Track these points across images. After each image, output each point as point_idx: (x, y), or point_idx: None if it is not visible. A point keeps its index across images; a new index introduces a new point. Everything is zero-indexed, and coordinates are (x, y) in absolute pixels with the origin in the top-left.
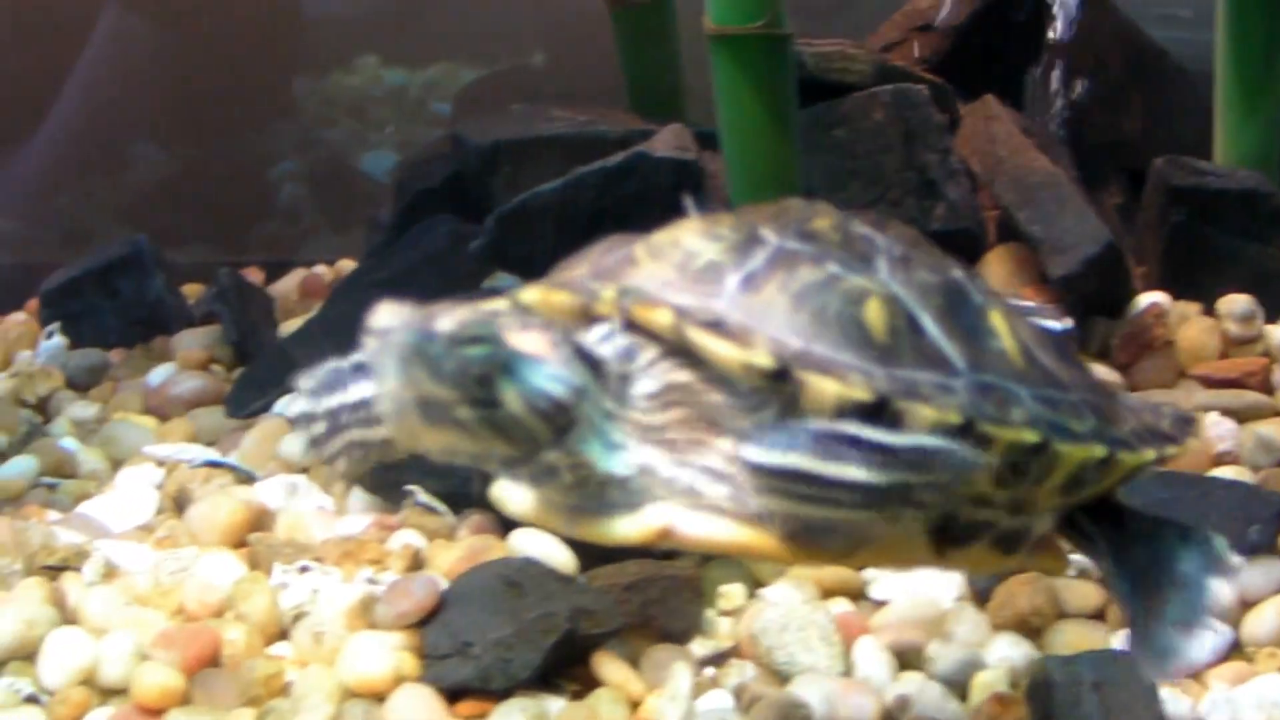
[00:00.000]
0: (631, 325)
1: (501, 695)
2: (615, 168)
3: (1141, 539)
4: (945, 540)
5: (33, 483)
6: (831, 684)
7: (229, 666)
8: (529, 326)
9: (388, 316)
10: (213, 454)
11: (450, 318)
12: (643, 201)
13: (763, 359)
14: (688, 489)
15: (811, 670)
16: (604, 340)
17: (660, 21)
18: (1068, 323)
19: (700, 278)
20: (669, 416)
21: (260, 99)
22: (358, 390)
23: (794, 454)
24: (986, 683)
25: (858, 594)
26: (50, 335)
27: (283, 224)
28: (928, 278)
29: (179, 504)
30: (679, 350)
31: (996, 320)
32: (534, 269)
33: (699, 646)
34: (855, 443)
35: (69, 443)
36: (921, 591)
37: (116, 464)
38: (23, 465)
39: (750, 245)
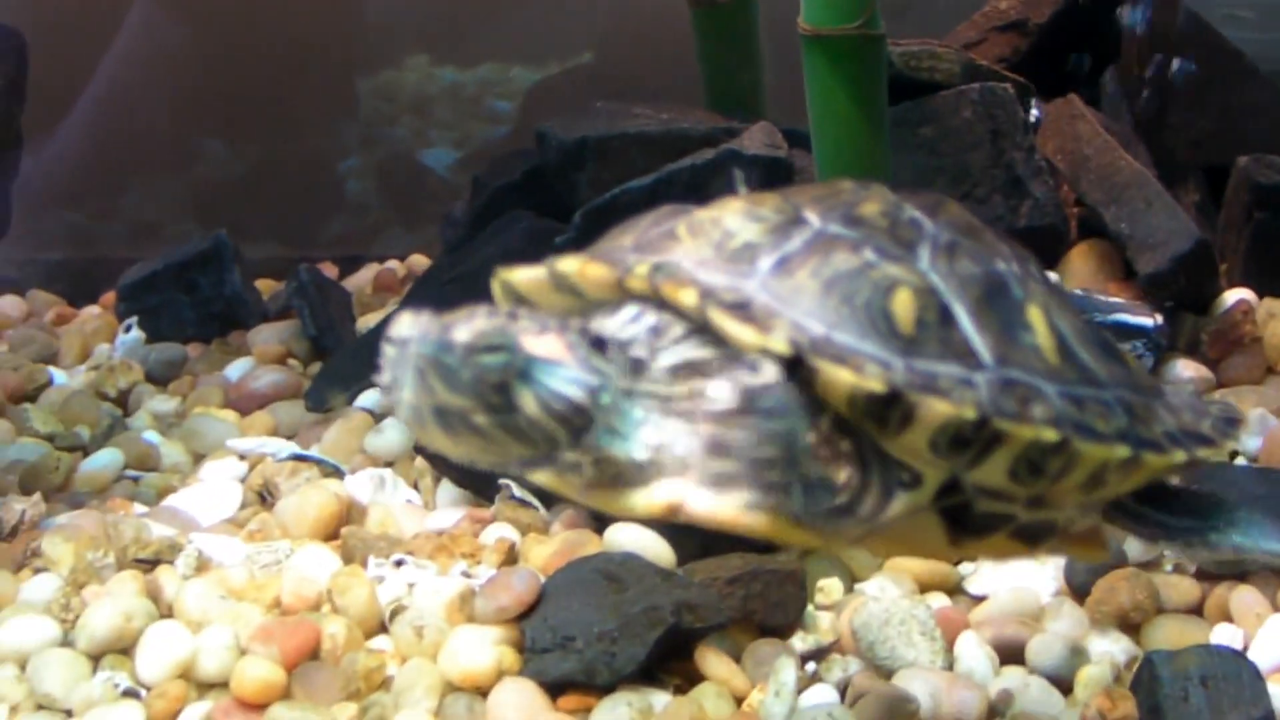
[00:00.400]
0: (661, 301)
1: (605, 689)
2: (705, 165)
3: (1196, 513)
4: (961, 530)
5: (117, 476)
6: (936, 679)
7: (329, 660)
8: (546, 329)
9: (406, 326)
10: (295, 448)
11: (467, 327)
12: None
13: (779, 345)
14: (701, 461)
15: (913, 665)
16: (634, 319)
17: (742, 21)
18: (1157, 319)
19: (736, 257)
20: (688, 387)
21: (320, 97)
22: None
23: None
24: (1091, 678)
25: (954, 589)
26: (128, 329)
27: (351, 220)
28: (970, 268)
29: (264, 497)
30: (704, 328)
31: (1035, 315)
32: None
33: (800, 641)
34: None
35: (151, 436)
36: (1020, 586)
37: (198, 458)
38: (107, 458)
39: (791, 227)
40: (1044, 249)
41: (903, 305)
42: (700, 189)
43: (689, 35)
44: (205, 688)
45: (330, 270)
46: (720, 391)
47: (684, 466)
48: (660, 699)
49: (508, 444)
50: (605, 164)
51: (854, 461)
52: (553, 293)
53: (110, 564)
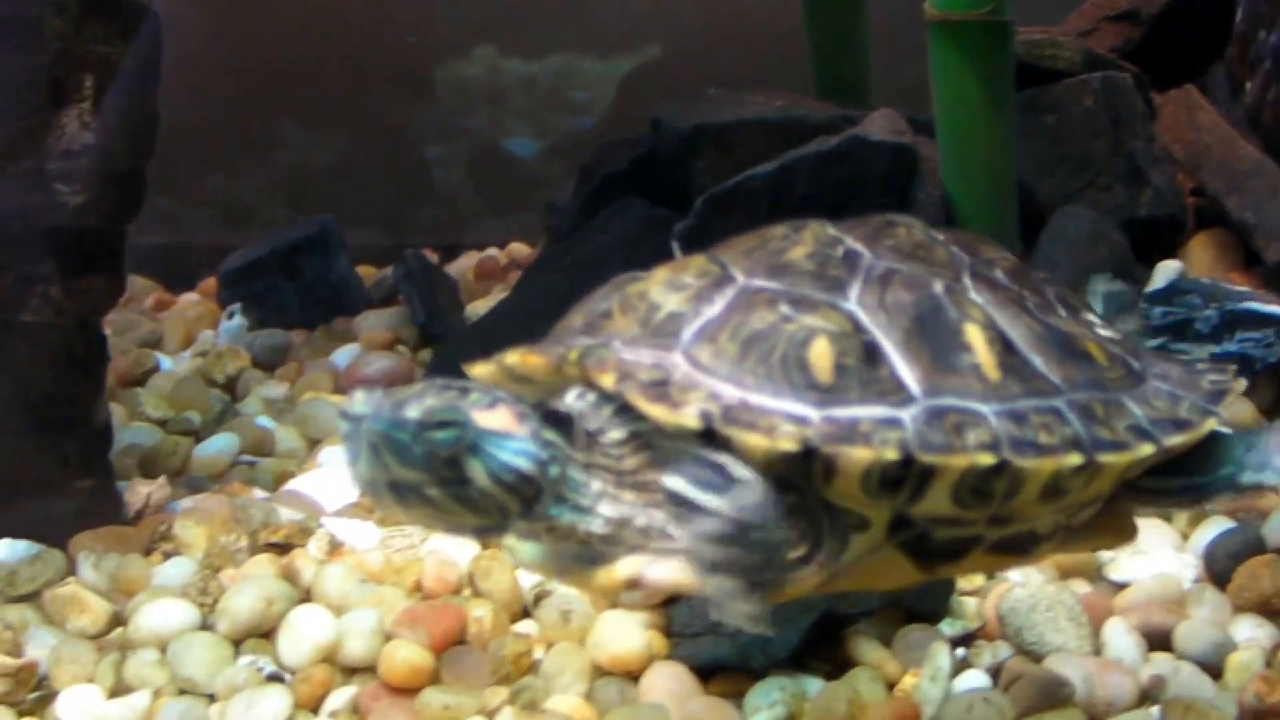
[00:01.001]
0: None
1: (757, 674)
2: (830, 151)
3: (1216, 460)
4: (927, 558)
5: (233, 460)
6: (1087, 664)
7: (475, 645)
8: (496, 403)
9: (360, 403)
10: None
11: (417, 404)
12: (857, 186)
13: (690, 421)
14: (660, 532)
15: (1060, 650)
16: (579, 396)
17: (852, 9)
18: None
19: (661, 330)
20: (638, 460)
21: (395, 86)
22: None
23: (679, 478)
24: (1242, 663)
25: (1095, 575)
26: (231, 315)
27: (442, 208)
28: (902, 297)
29: None
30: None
31: (973, 333)
32: None
33: (948, 627)
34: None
35: (264, 421)
36: (1161, 573)
37: (313, 443)
38: (223, 443)
39: (713, 290)
40: (1163, 238)
41: (819, 354)
42: (824, 176)
43: (781, 25)
44: (349, 672)
45: (431, 257)
46: (708, 524)
47: (643, 538)
48: (813, 684)
49: (461, 514)
50: (722, 151)
51: (801, 515)
52: (510, 382)
53: (243, 547)
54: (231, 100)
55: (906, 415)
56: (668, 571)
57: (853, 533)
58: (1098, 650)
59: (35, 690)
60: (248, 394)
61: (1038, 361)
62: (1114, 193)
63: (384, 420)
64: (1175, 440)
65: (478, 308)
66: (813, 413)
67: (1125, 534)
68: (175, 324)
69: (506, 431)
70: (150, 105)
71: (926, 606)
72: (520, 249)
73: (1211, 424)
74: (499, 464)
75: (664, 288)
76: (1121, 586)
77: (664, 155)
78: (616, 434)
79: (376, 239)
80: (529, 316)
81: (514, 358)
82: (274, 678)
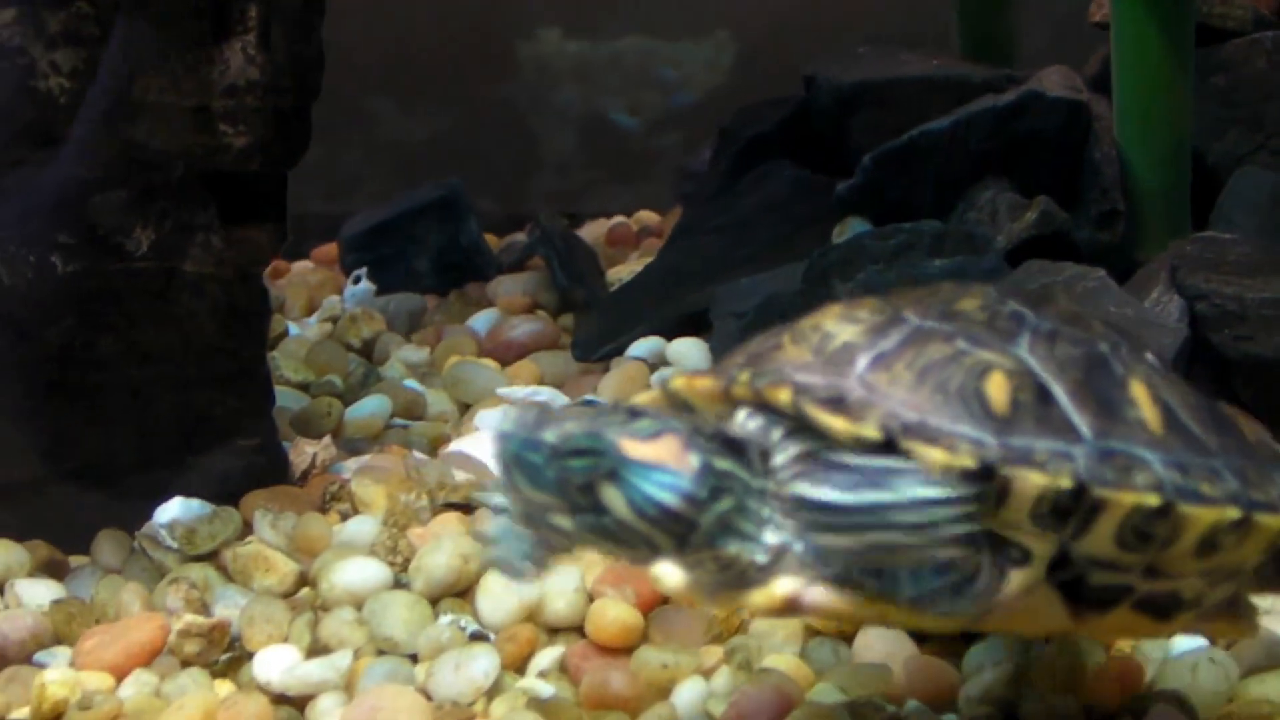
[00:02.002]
0: (764, 405)
1: (972, 636)
2: (1006, 107)
3: None
4: (1080, 603)
5: (386, 423)
6: None
7: (680, 604)
8: (662, 434)
9: (506, 421)
10: (565, 398)
11: (557, 428)
12: (1032, 144)
13: (870, 431)
14: (816, 557)
15: (1269, 613)
16: (748, 418)
17: None
18: None
19: (835, 358)
20: (800, 488)
21: (484, 64)
22: None
23: (826, 487)
24: None
25: None
26: (357, 280)
27: (555, 178)
28: (1070, 351)
29: None
30: (806, 426)
31: (1138, 390)
32: (909, 212)
33: None
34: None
35: (412, 384)
36: None
37: (463, 406)
38: (375, 405)
39: (888, 327)
40: None
41: (996, 387)
42: (1000, 133)
43: None
44: (552, 631)
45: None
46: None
47: (801, 563)
48: (1032, 645)
49: (598, 544)
50: (881, 110)
51: (963, 544)
52: (672, 409)
53: (424, 506)
54: (327, 75)
55: (1078, 451)
56: (825, 595)
57: (1012, 567)
58: None
59: (227, 651)
60: (387, 358)
61: (1194, 426)
62: None
63: (518, 440)
64: None
65: (619, 273)
66: (990, 438)
67: (1244, 627)
68: (297, 290)
69: (659, 463)
70: (317, 39)
71: None
72: (649, 216)
73: None
74: (642, 496)
75: (839, 320)
76: None
77: (817, 115)
78: (786, 454)
79: (489, 208)
80: (677, 281)
81: (679, 382)
82: (477, 637)
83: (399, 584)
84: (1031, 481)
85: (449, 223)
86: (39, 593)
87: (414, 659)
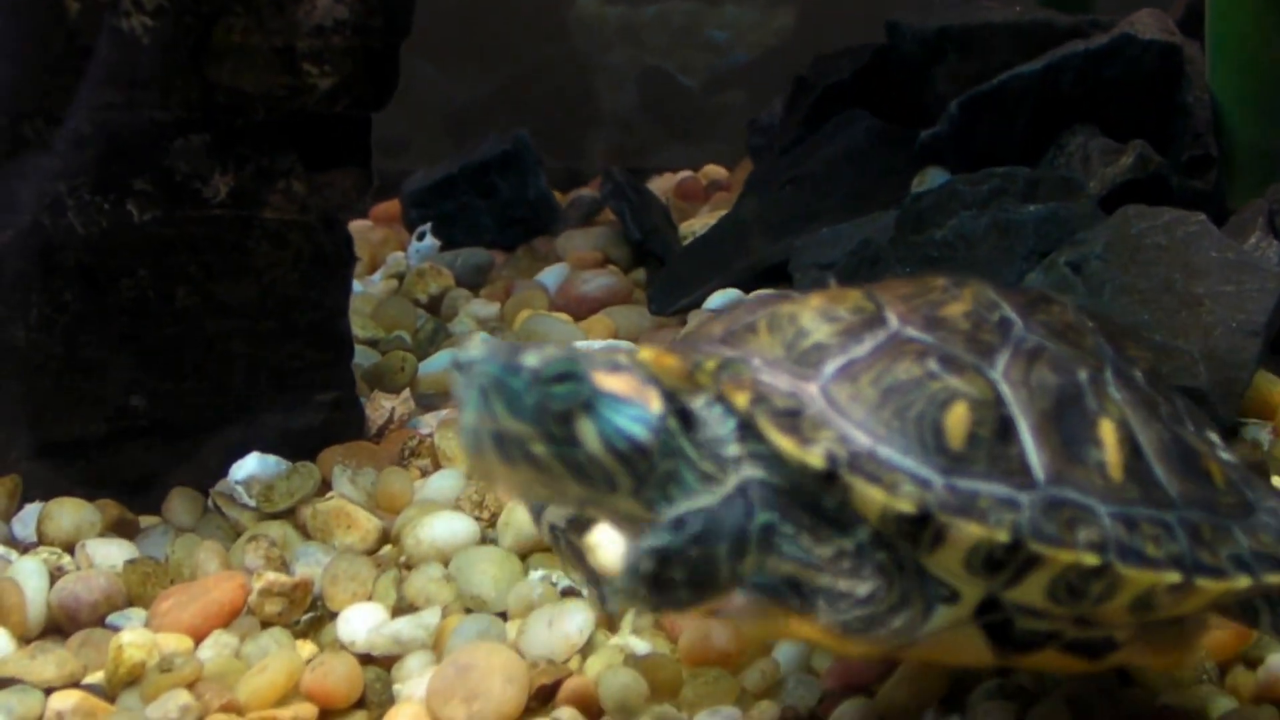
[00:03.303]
0: (723, 397)
1: None
2: (1099, 50)
3: None
4: (1005, 644)
5: None
6: None
7: None
8: (620, 369)
9: (476, 348)
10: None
11: (537, 354)
12: (1123, 88)
13: (815, 460)
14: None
15: None
16: (705, 406)
17: None
18: None
19: (804, 358)
20: (751, 473)
21: (523, 24)
22: None
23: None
24: None
25: None
26: (422, 236)
27: (616, 135)
28: (1047, 377)
29: None
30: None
31: (1106, 429)
32: (996, 159)
33: None
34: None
35: (485, 337)
36: None
37: None
38: (448, 360)
39: (864, 330)
40: None
41: (956, 420)
42: (1091, 77)
43: None
44: None
45: None
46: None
47: None
48: None
49: (564, 480)
50: (967, 56)
51: (887, 575)
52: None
53: None
54: None
55: (1026, 499)
56: (746, 605)
57: (940, 604)
58: None
59: (309, 610)
60: (456, 313)
61: (1159, 471)
62: None
63: (499, 365)
64: (1273, 579)
65: (691, 226)
66: (937, 478)
67: (1179, 659)
68: (360, 247)
69: (627, 397)
70: None
71: None
72: (718, 171)
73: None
74: (613, 428)
75: (816, 315)
76: None
77: (898, 63)
78: (734, 451)
79: (550, 163)
80: (753, 233)
81: (647, 354)
82: (569, 592)
83: (486, 540)
84: (968, 532)
85: (516, 176)
86: (111, 553)
87: (504, 616)
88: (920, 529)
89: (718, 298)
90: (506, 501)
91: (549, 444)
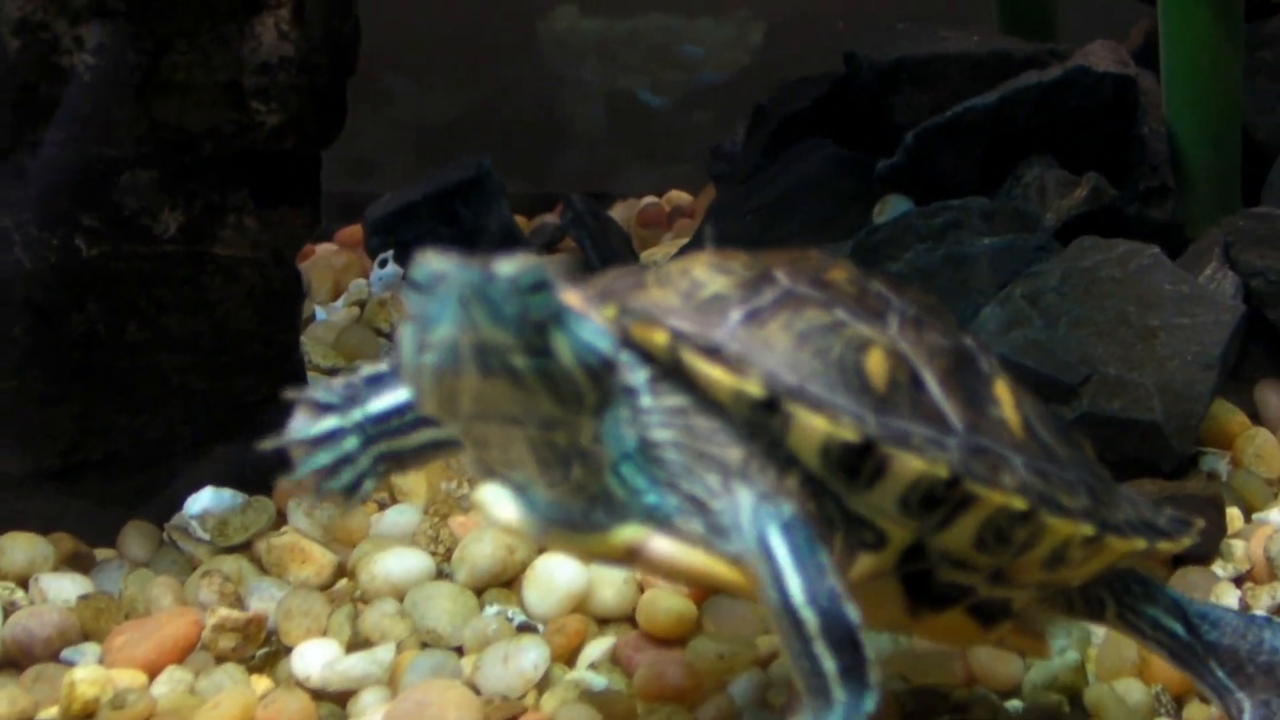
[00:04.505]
0: (629, 344)
1: None
2: (1053, 82)
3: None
4: (921, 598)
5: None
6: None
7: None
8: (570, 288)
9: (438, 262)
10: None
11: (511, 263)
12: (1078, 119)
13: (753, 387)
14: (666, 517)
15: None
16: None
17: None
18: None
19: (705, 308)
20: (662, 436)
21: (500, 42)
22: (382, 400)
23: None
24: None
25: None
26: (384, 263)
27: (582, 158)
28: (939, 340)
29: None
30: (674, 373)
31: (1001, 390)
32: (952, 190)
33: (1221, 570)
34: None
35: None
36: None
37: None
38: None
39: (760, 283)
40: None
41: (876, 364)
42: (1047, 108)
43: None
44: (601, 622)
45: None
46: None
47: (648, 515)
48: (1096, 631)
49: (538, 396)
50: (922, 87)
51: (816, 520)
52: None
53: (465, 494)
54: None
55: (951, 442)
56: (671, 548)
57: (864, 551)
58: None
59: (263, 645)
60: None
61: (1046, 436)
62: None
63: (476, 273)
64: (1162, 545)
65: (652, 254)
66: (869, 415)
67: (1042, 645)
68: (323, 273)
69: (584, 313)
70: (353, 14)
71: (1198, 549)
72: (681, 196)
73: (1187, 542)
74: (581, 342)
75: (709, 269)
76: None
77: (856, 92)
78: (659, 401)
79: (515, 188)
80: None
81: None
82: (526, 628)
83: (442, 574)
84: (910, 465)
85: (479, 204)
86: (65, 587)
87: (459, 652)
88: (861, 460)
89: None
90: (468, 535)
91: (528, 355)
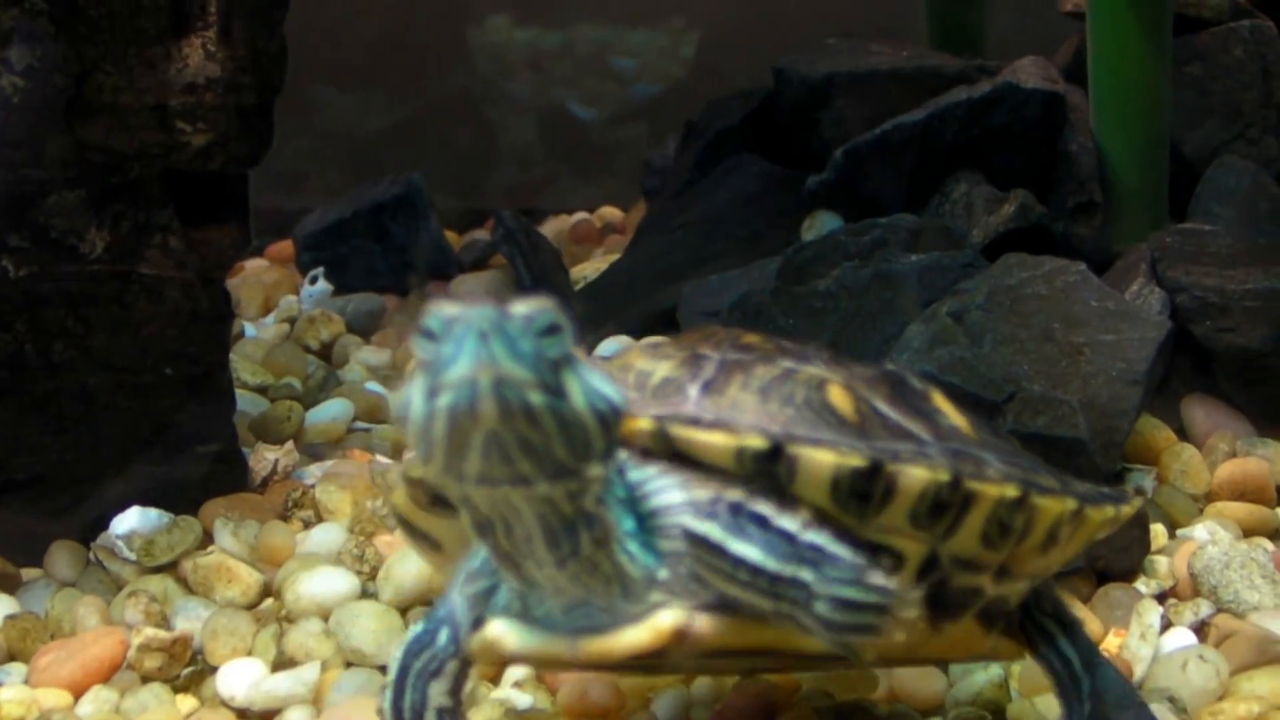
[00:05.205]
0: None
1: None
2: (981, 99)
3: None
4: (940, 611)
5: (348, 427)
6: None
7: None
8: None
9: (451, 308)
10: None
11: (527, 303)
12: (1007, 136)
13: (755, 441)
14: (685, 586)
15: (1258, 609)
16: None
17: None
18: None
19: (661, 391)
20: (659, 503)
21: (434, 53)
22: None
23: (708, 523)
24: None
25: (1275, 533)
26: (314, 280)
27: (514, 173)
28: (865, 370)
29: None
30: (662, 455)
31: (941, 401)
32: (881, 207)
33: (1144, 586)
34: (762, 523)
35: (374, 387)
36: None
37: None
38: (337, 409)
39: (697, 360)
40: None
41: (839, 397)
42: (975, 125)
43: None
44: None
45: None
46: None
47: (666, 590)
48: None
49: (551, 439)
50: (853, 102)
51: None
52: None
53: (390, 513)
54: None
55: (933, 451)
56: (716, 625)
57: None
58: None
59: (189, 665)
60: (347, 360)
61: (989, 433)
62: (1264, 146)
63: (495, 311)
64: (1126, 509)
65: (583, 270)
66: (859, 442)
67: (1022, 648)
68: (252, 289)
69: (591, 362)
70: (279, 34)
71: (1123, 565)
72: (613, 212)
73: (1137, 504)
74: (591, 387)
75: (647, 359)
76: None
77: (786, 108)
78: (659, 484)
79: (447, 203)
80: (645, 278)
81: None
82: None
83: (367, 594)
84: (916, 476)
85: (409, 220)
86: None
87: (384, 671)
88: (872, 484)
89: (609, 344)
90: (393, 554)
91: (544, 393)
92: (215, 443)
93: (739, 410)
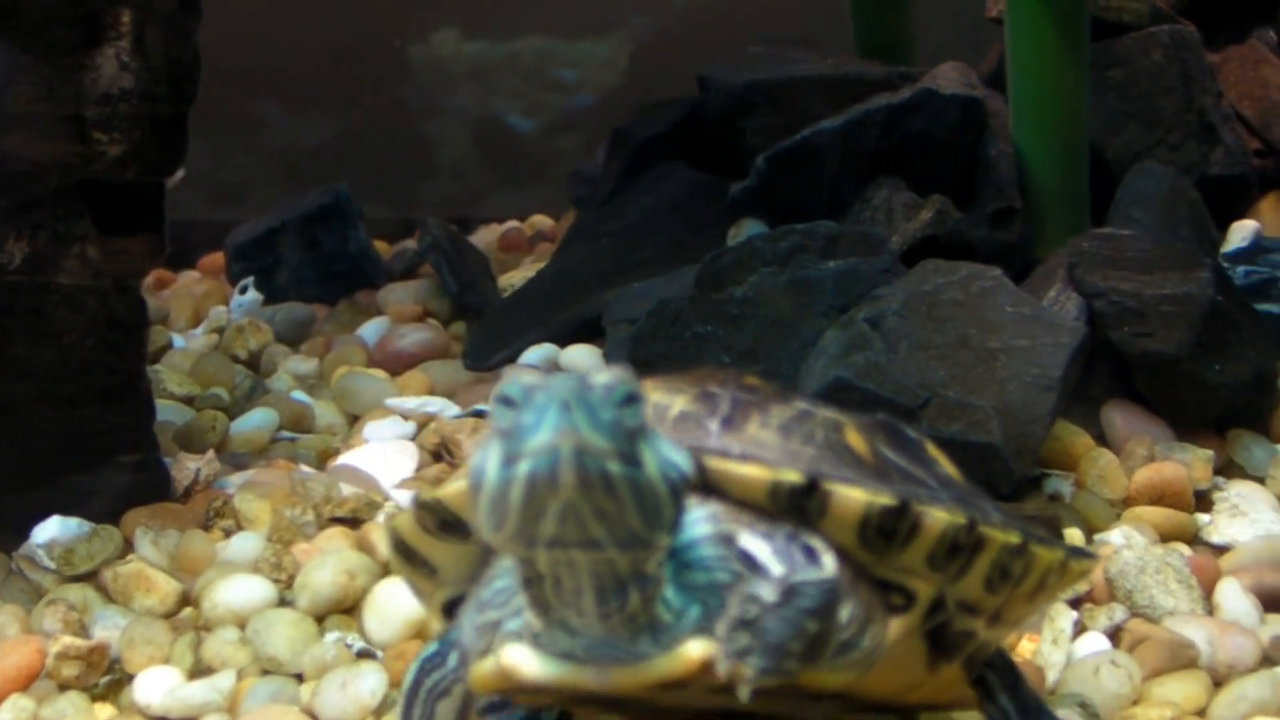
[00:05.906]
0: None
1: None
2: (901, 105)
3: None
4: (939, 651)
5: (273, 436)
6: (1206, 625)
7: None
8: None
9: (530, 376)
10: (456, 407)
11: (607, 374)
12: (926, 142)
13: (792, 475)
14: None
15: (1173, 614)
16: None
17: None
18: None
19: (681, 426)
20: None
21: (376, 66)
22: None
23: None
24: None
25: (1193, 539)
26: (244, 290)
27: (449, 182)
28: (865, 420)
29: (441, 456)
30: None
31: (935, 451)
32: (804, 213)
33: None
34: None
35: (300, 396)
36: (1268, 534)
37: (352, 418)
38: (261, 419)
39: (710, 397)
40: (1233, 198)
41: (855, 439)
42: (894, 131)
43: None
44: None
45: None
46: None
47: (692, 626)
48: None
49: (627, 509)
50: (775, 109)
51: (854, 594)
52: None
53: (310, 521)
54: (208, 79)
55: (945, 495)
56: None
57: (894, 616)
58: (1209, 613)
59: (107, 673)
60: (275, 369)
61: (974, 487)
62: (1185, 151)
63: (577, 381)
64: (1086, 564)
65: (511, 279)
66: (882, 484)
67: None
68: (183, 300)
69: (660, 432)
70: (193, 44)
71: None
72: (544, 221)
73: (1102, 559)
74: (664, 457)
75: (663, 393)
76: (1222, 549)
77: (711, 116)
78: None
79: (381, 213)
80: (571, 286)
81: None
82: (365, 654)
83: (284, 602)
84: (938, 518)
85: (337, 230)
86: None
87: (299, 679)
88: (899, 523)
89: (534, 352)
90: (309, 562)
91: (622, 463)
92: (136, 452)
93: (762, 447)
